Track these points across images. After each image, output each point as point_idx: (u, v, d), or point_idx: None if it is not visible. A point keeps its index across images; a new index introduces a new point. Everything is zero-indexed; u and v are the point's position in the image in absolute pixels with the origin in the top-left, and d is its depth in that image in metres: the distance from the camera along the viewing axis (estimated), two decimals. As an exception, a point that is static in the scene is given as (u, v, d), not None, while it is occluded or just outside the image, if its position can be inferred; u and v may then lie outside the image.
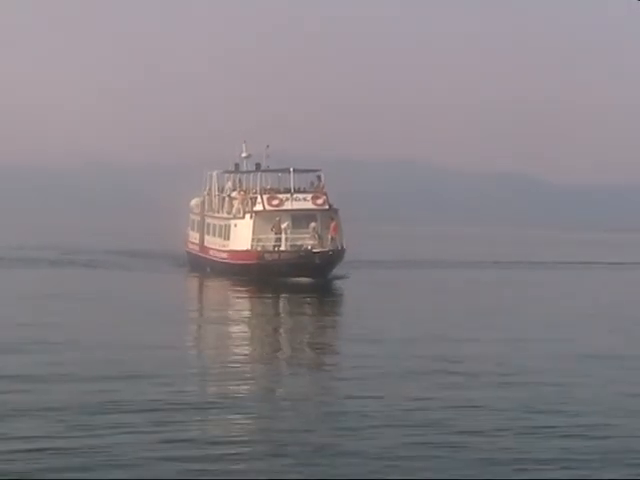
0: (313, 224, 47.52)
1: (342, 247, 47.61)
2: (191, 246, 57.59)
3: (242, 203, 49.93)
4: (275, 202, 48.43)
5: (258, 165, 52.18)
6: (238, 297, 43.35)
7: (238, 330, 32.25)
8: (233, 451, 15.40)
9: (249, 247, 48.13)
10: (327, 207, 48.69)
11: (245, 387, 21.26)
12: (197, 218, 56.49)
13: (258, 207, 48.55)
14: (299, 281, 45.75)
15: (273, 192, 49.68)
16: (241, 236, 48.80)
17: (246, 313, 38.74)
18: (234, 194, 52.22)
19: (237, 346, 28.48)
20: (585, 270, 66.00)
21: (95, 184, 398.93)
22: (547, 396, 20.05)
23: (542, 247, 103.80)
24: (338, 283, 47.36)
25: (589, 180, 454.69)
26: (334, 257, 46.86)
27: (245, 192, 51.26)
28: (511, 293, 48.03)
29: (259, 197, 48.97)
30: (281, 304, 41.90)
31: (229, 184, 54.61)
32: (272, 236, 47.80)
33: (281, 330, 33.26)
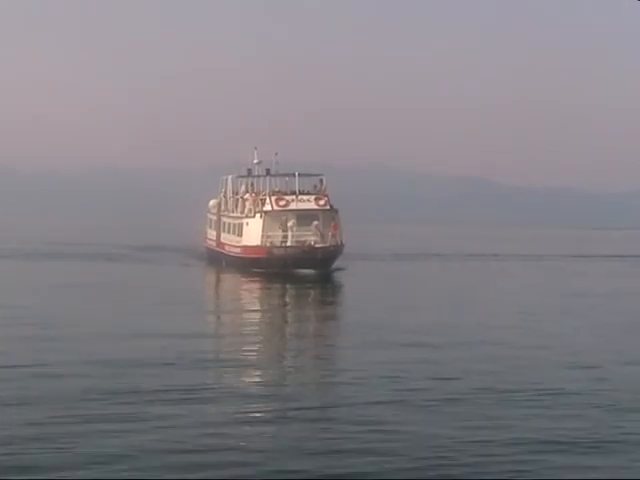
0: (315, 222, 51.40)
1: (341, 243, 51.83)
2: (209, 242, 62.29)
3: (253, 204, 53.99)
4: (282, 203, 52.41)
5: (268, 170, 56.61)
6: (250, 286, 46.96)
7: (250, 316, 34.98)
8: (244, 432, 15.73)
9: (259, 243, 52.06)
10: (328, 207, 52.66)
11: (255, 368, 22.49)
12: (214, 217, 61.20)
13: (267, 207, 52.50)
14: (303, 272, 49.51)
15: (280, 194, 53.67)
16: (252, 233, 52.78)
17: (257, 300, 42.10)
18: (246, 196, 56.41)
19: (250, 328, 30.77)
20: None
21: (113, 188, 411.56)
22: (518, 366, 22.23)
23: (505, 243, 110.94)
24: (338, 274, 51.42)
25: (547, 182, 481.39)
26: (334, 251, 50.96)
27: (256, 194, 55.53)
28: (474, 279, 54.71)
29: (268, 198, 52.97)
30: (287, 292, 45.20)
31: (243, 187, 58.99)
32: (279, 233, 51.65)
33: (287, 315, 36.42)
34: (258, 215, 52.99)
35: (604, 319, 33.79)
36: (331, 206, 53.21)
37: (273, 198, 53.06)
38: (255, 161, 57.99)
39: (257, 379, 21.03)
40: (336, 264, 52.17)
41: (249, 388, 19.81)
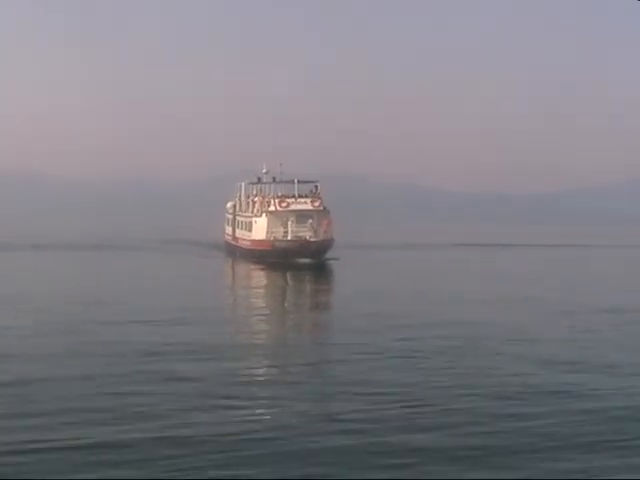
0: (310, 220, 60.06)
1: (332, 237, 60.57)
2: (227, 237, 72.16)
3: (260, 205, 63.10)
4: (284, 204, 61.31)
5: (274, 178, 66.02)
6: (258, 272, 55.20)
7: (258, 294, 42.79)
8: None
9: (265, 237, 60.96)
10: (322, 208, 61.49)
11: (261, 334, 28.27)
12: (230, 217, 71.05)
13: (271, 208, 61.53)
14: (301, 261, 57.27)
15: (283, 197, 62.61)
16: (259, 229, 61.80)
17: (263, 283, 49.98)
18: (256, 199, 65.68)
19: (258, 304, 37.87)
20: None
21: (145, 195, 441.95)
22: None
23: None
24: (331, 262, 59.38)
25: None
26: (326, 244, 59.52)
27: (263, 197, 64.62)
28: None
29: (272, 201, 62.20)
30: (288, 277, 52.07)
31: (254, 192, 68.79)
32: (281, 229, 60.31)
33: (287, 293, 44.11)
34: (264, 214, 61.78)
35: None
36: (324, 207, 61.98)
37: (276, 200, 62.03)
38: (264, 171, 67.13)
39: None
40: (330, 254, 60.10)
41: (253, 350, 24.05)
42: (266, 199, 64.12)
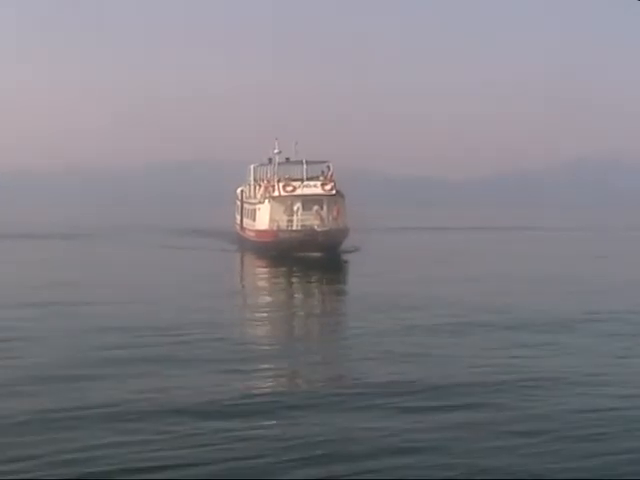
0: (316, 207, 51.02)
1: (345, 226, 51.26)
2: (237, 227, 62.61)
3: (265, 190, 53.86)
4: (289, 188, 52.01)
5: (287, 159, 56.11)
6: (256, 271, 47.08)
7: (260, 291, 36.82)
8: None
9: (268, 227, 52.04)
10: (334, 192, 52.00)
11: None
12: (239, 204, 62.02)
13: (275, 193, 52.37)
14: (308, 255, 48.62)
15: (289, 180, 53.18)
16: (262, 218, 52.72)
17: (265, 281, 42.03)
18: (262, 183, 56.30)
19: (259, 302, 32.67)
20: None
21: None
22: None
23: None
24: (345, 256, 50.36)
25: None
26: (336, 234, 49.97)
27: (268, 181, 55.18)
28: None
29: (276, 185, 53.33)
30: (293, 274, 43.93)
31: (269, 175, 58.10)
32: (285, 217, 51.34)
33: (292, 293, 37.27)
34: (267, 201, 52.79)
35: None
36: (337, 191, 52.56)
37: (281, 184, 52.73)
38: (275, 151, 57.07)
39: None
40: (346, 246, 51.31)
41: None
42: (271, 183, 54.52)
